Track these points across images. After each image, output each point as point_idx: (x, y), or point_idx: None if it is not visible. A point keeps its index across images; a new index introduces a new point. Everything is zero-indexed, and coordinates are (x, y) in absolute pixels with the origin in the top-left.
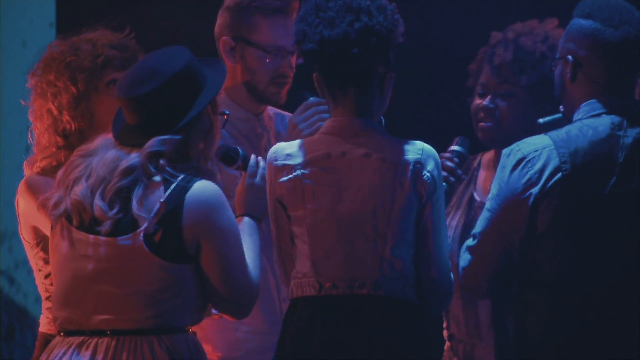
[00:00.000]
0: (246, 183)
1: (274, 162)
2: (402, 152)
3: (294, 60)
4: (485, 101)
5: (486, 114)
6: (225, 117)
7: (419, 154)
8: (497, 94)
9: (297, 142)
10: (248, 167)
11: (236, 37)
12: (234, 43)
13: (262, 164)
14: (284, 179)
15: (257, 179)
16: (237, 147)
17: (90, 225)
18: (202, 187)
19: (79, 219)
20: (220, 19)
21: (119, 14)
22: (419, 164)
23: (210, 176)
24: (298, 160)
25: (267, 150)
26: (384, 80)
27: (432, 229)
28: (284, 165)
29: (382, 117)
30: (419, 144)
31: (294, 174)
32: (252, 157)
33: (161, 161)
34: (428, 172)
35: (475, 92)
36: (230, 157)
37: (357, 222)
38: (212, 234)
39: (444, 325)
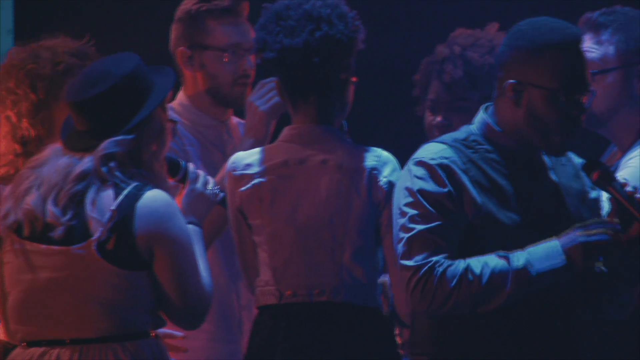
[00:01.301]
0: (188, 190)
1: (234, 172)
2: (359, 159)
3: (254, 59)
4: (439, 118)
5: (441, 131)
6: (175, 125)
7: (375, 161)
8: (450, 110)
9: (255, 150)
10: (189, 175)
11: (192, 45)
12: (190, 52)
13: (202, 172)
14: (244, 188)
15: (198, 185)
16: (180, 159)
17: (43, 234)
18: (154, 196)
19: (30, 228)
20: (174, 32)
21: (78, 21)
22: (376, 170)
23: (162, 183)
24: (257, 169)
25: None
26: (345, 87)
27: (392, 235)
28: (243, 174)
29: (345, 122)
30: (377, 151)
31: (253, 183)
32: (192, 165)
33: (112, 164)
34: (385, 178)
35: (425, 106)
36: (173, 168)
37: (315, 230)
38: (164, 243)
39: (397, 331)
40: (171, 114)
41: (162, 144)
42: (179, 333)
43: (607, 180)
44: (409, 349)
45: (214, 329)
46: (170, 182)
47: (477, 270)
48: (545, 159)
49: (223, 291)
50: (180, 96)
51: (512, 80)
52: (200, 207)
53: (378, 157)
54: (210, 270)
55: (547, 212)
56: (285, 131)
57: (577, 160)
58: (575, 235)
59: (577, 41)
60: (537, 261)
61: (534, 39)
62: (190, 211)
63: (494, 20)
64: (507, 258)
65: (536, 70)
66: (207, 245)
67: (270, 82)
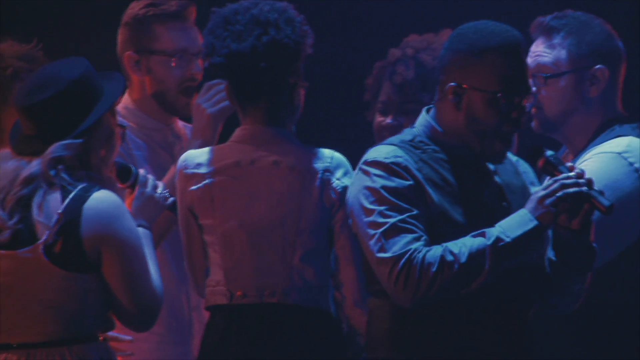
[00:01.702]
0: (137, 193)
1: (185, 171)
2: (311, 160)
3: (201, 64)
4: (389, 119)
5: (390, 132)
6: (124, 130)
7: (328, 162)
8: (401, 111)
9: (207, 149)
10: (139, 179)
11: (139, 49)
12: (138, 56)
13: (151, 176)
14: (194, 187)
15: (148, 188)
16: (131, 164)
17: None
18: (101, 197)
19: None
20: (121, 36)
21: (26, 25)
22: (328, 172)
23: (110, 185)
24: (208, 168)
25: None
26: (294, 92)
27: (347, 235)
28: (194, 173)
29: (293, 126)
30: (329, 152)
31: (204, 182)
32: (142, 171)
33: (60, 167)
34: (338, 179)
35: (375, 108)
36: (124, 174)
37: (267, 231)
38: (112, 245)
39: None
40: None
41: (111, 149)
42: (126, 337)
43: (552, 166)
44: (366, 351)
45: (164, 330)
46: (121, 187)
47: (456, 250)
48: None
49: (173, 293)
50: (126, 100)
51: (452, 83)
52: (150, 210)
53: (330, 158)
54: (160, 272)
55: (494, 210)
56: (237, 132)
57: (514, 158)
58: (536, 196)
59: (517, 44)
60: (510, 230)
61: (474, 43)
62: (139, 214)
63: (445, 24)
64: (482, 234)
65: (476, 73)
66: (155, 248)
67: (218, 85)
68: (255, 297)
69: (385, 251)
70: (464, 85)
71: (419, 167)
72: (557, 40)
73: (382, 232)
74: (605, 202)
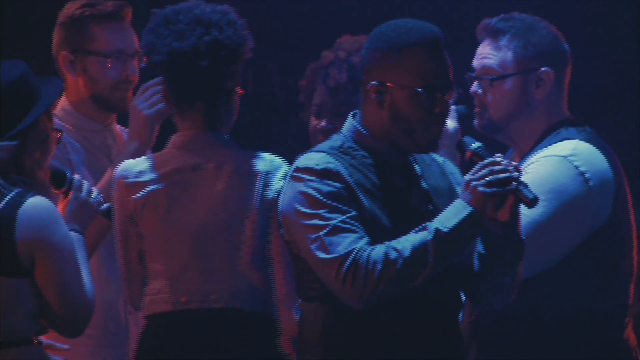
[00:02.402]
0: (71, 198)
1: (125, 180)
2: (252, 163)
3: (137, 65)
4: (323, 122)
5: (325, 135)
6: (60, 135)
7: (269, 165)
8: (335, 115)
9: (145, 158)
10: (74, 184)
11: (74, 49)
12: (73, 56)
13: (86, 182)
14: (137, 196)
15: (83, 193)
16: (66, 170)
17: None
18: (36, 203)
19: None
20: (56, 36)
21: None
22: (270, 174)
23: (44, 191)
24: (150, 176)
25: None
26: (232, 96)
27: (278, 235)
28: (136, 182)
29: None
30: (269, 156)
31: (147, 190)
32: (77, 176)
33: None
34: (277, 181)
35: (310, 111)
36: (59, 179)
37: (211, 236)
38: (45, 250)
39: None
40: (56, 122)
41: (46, 152)
42: (63, 345)
43: (480, 157)
44: (298, 354)
45: (100, 334)
46: (55, 192)
47: (399, 246)
48: (415, 159)
49: (109, 296)
50: (63, 102)
51: (374, 82)
52: (83, 215)
53: (271, 161)
54: (93, 277)
55: (421, 214)
56: (174, 138)
57: (440, 159)
58: (466, 183)
59: (436, 40)
60: (447, 220)
61: (393, 40)
62: (73, 219)
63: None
64: (423, 228)
65: (397, 70)
66: (89, 254)
67: (154, 86)
68: (200, 302)
69: (329, 252)
70: (387, 83)
71: (349, 172)
72: (503, 42)
73: (324, 234)
74: (530, 195)
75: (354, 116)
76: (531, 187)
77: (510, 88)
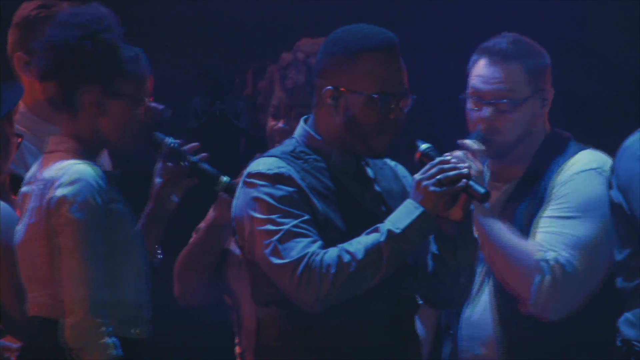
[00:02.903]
0: None
1: None
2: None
3: None
4: (281, 123)
5: (282, 136)
6: (20, 140)
7: (58, 174)
8: (292, 116)
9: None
10: None
11: (29, 50)
12: (28, 57)
13: None
14: None
15: None
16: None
17: None
18: None
19: None
20: (11, 37)
21: None
22: (55, 183)
23: (3, 195)
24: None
25: None
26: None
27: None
28: None
29: None
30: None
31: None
32: None
33: None
34: (60, 190)
35: (268, 112)
36: (18, 184)
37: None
38: (2, 254)
39: (237, 340)
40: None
41: (5, 157)
42: (14, 345)
43: (429, 157)
44: (253, 357)
45: None
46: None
47: (352, 249)
48: (367, 163)
49: None
50: (19, 105)
51: (329, 87)
52: None
53: (62, 169)
54: None
55: (374, 217)
56: None
57: (392, 163)
58: (416, 183)
59: (392, 46)
60: (399, 221)
61: (349, 45)
62: None
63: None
64: (375, 229)
65: (352, 75)
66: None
67: None
68: None
69: (282, 257)
70: (341, 89)
71: (301, 176)
72: (515, 65)
73: (278, 239)
74: (481, 190)
75: (305, 121)
76: (572, 204)
77: (525, 111)
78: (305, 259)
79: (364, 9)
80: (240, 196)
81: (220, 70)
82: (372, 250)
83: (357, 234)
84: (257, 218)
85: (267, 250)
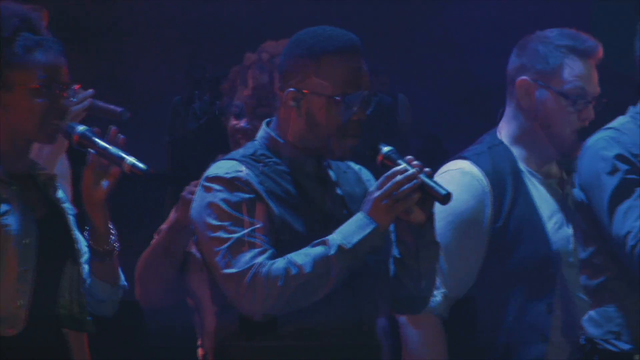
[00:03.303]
0: None
1: None
2: None
3: None
4: (243, 123)
5: (244, 135)
6: None
7: None
8: (255, 115)
9: None
10: None
11: None
12: None
13: None
14: None
15: None
16: None
17: None
18: None
19: None
20: None
21: None
22: None
23: None
24: None
25: None
26: None
27: None
28: None
29: None
30: None
31: None
32: None
33: None
34: None
35: (230, 112)
36: None
37: None
38: None
39: (199, 342)
40: None
41: None
42: None
43: (391, 160)
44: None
45: None
46: None
47: (300, 261)
48: (330, 165)
49: None
50: None
51: (291, 89)
52: None
53: None
54: None
55: (335, 220)
56: None
57: (356, 166)
58: (372, 197)
59: (354, 48)
60: (350, 235)
61: (312, 47)
62: None
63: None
64: (324, 242)
65: (314, 78)
66: None
67: None
68: None
69: (231, 267)
70: (304, 90)
71: (260, 180)
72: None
73: (227, 248)
74: (442, 191)
75: (268, 124)
76: None
77: None
78: (253, 270)
79: (363, 10)
80: (197, 199)
81: (220, 70)
82: (321, 264)
83: (317, 236)
84: (210, 224)
85: (217, 258)
